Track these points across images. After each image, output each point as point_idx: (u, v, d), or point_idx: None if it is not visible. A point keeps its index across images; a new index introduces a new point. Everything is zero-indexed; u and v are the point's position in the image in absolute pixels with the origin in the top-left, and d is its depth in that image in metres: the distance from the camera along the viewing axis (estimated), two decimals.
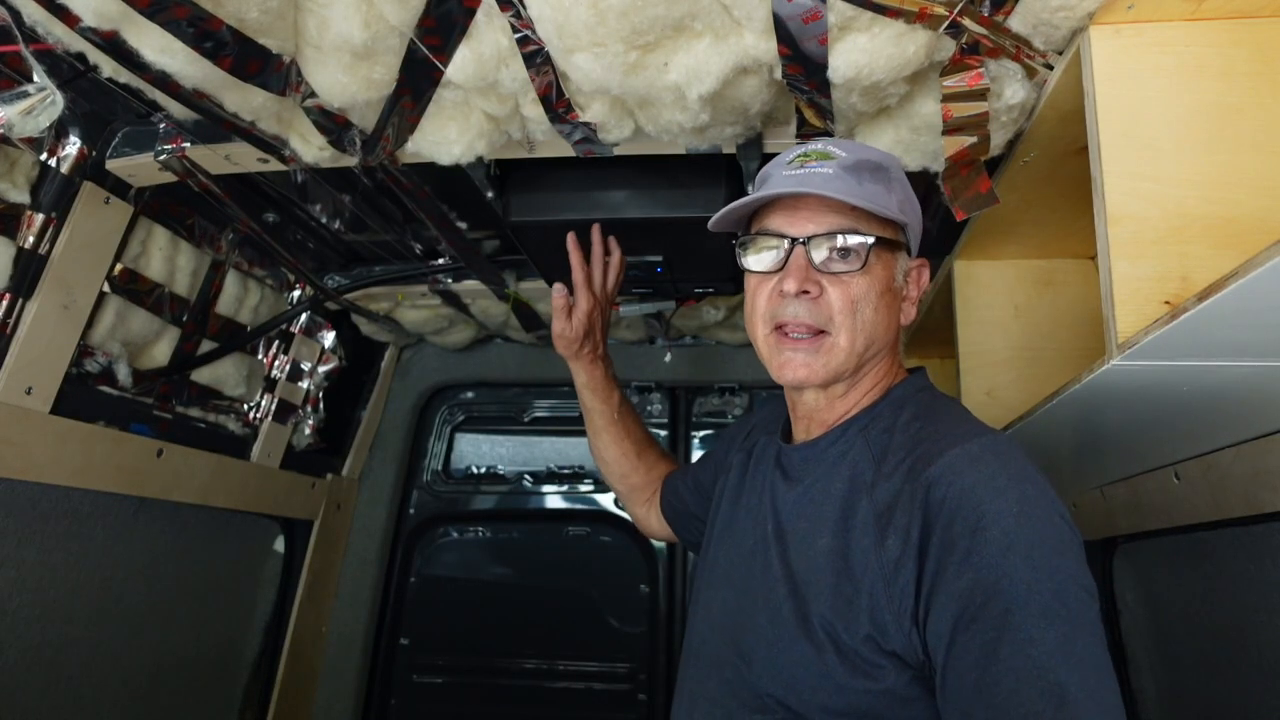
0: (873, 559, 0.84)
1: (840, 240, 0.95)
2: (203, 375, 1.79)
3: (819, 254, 0.96)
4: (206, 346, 1.77)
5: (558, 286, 1.42)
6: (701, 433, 2.65)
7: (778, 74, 1.04)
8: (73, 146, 1.32)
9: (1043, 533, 0.77)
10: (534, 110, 1.17)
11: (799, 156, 0.99)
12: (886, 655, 0.82)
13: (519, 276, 2.01)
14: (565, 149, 1.29)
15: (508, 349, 2.56)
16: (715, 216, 1.03)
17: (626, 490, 1.55)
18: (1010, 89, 1.06)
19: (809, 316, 0.96)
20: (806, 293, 0.95)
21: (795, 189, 0.95)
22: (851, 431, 0.99)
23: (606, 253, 1.48)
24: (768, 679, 0.90)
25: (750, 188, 1.27)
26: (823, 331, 0.97)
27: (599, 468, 1.59)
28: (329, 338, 2.20)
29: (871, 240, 0.96)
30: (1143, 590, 1.61)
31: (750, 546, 1.03)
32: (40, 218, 1.31)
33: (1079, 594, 0.75)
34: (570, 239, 1.43)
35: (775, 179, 0.99)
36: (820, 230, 0.96)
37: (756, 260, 1.01)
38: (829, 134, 1.21)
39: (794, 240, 0.97)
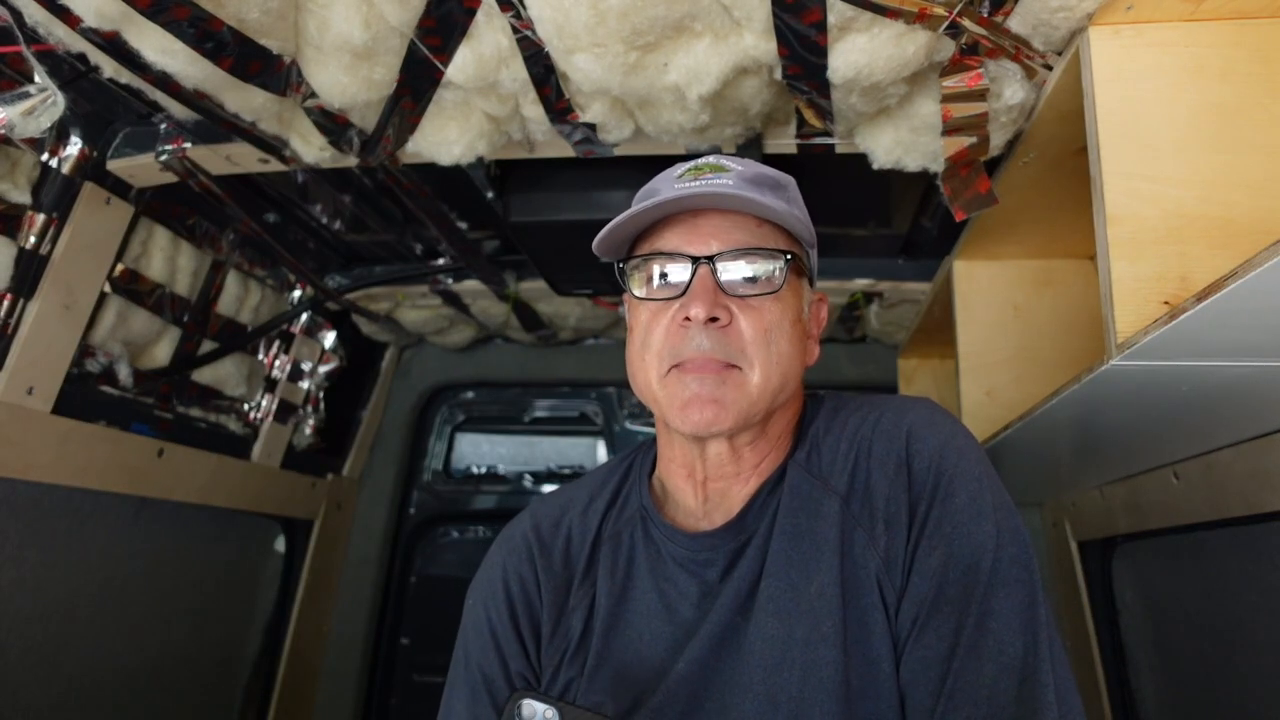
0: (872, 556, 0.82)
1: (752, 259, 0.84)
2: (203, 375, 1.79)
3: (727, 275, 0.84)
4: (207, 346, 1.77)
5: None
6: None
7: (778, 74, 1.05)
8: (74, 147, 1.33)
9: (1002, 493, 0.80)
10: (534, 110, 1.17)
11: (689, 170, 0.88)
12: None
13: (519, 276, 2.02)
14: (565, 149, 1.30)
15: (508, 349, 2.57)
16: (600, 236, 0.88)
17: None
18: (1010, 89, 1.06)
19: (716, 350, 0.81)
20: (715, 319, 0.82)
21: (699, 190, 0.82)
22: (783, 485, 0.87)
23: None
24: None
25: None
26: (732, 366, 0.82)
27: None
28: (329, 338, 2.20)
29: (788, 258, 0.85)
30: (1142, 590, 1.61)
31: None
32: (41, 218, 1.31)
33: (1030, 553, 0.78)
34: None
35: (666, 194, 0.84)
36: (727, 248, 0.84)
37: (650, 287, 0.87)
38: (829, 134, 1.21)
39: (697, 259, 0.83)
